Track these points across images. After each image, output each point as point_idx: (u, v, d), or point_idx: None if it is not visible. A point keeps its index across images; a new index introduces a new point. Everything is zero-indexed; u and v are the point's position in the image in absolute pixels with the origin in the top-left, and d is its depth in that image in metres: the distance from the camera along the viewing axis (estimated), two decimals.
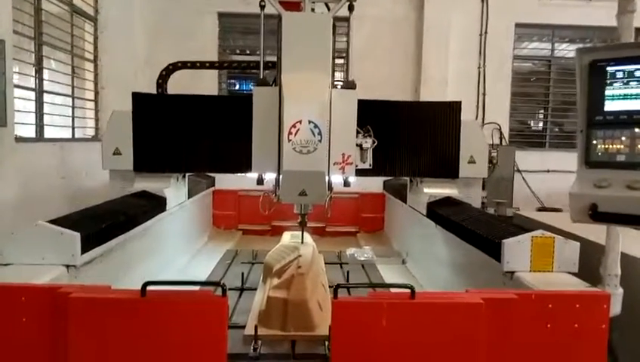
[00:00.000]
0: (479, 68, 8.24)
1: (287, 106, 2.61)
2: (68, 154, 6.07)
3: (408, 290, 1.97)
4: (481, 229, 2.99)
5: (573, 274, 2.55)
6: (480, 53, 8.23)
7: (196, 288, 2.23)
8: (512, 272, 2.58)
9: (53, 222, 2.60)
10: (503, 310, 2.02)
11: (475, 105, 8.20)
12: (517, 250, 2.57)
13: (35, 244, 2.46)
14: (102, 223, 2.87)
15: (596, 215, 1.93)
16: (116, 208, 3.33)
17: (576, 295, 2.18)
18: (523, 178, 8.13)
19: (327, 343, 2.47)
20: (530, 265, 2.58)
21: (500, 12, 8.10)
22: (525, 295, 2.10)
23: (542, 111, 8.94)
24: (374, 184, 5.95)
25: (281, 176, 2.71)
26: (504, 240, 2.59)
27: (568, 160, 7.91)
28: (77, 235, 2.51)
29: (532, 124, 9.14)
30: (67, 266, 2.48)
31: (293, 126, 2.57)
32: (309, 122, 2.58)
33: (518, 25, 8.27)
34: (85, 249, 2.58)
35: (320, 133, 2.58)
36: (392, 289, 2.23)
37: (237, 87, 9.00)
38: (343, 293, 2.61)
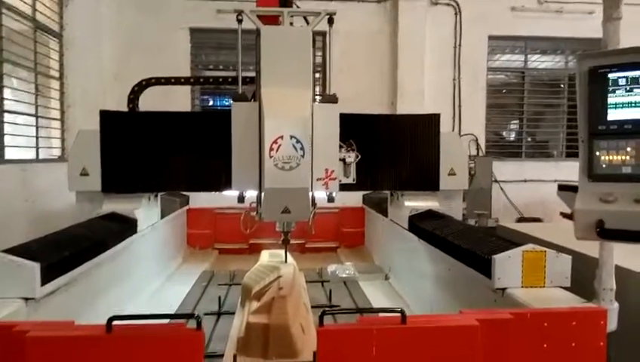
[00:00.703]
0: (454, 80, 8.28)
1: (268, 122, 2.52)
2: (32, 176, 5.77)
3: (398, 314, 1.85)
4: (469, 244, 2.89)
5: (565, 288, 2.47)
6: (455, 65, 8.28)
7: (167, 321, 2.05)
8: (503, 289, 2.48)
9: (9, 251, 2.39)
10: (498, 331, 1.93)
11: (452, 116, 8.22)
12: (508, 266, 2.47)
13: None
14: (65, 250, 2.66)
15: (603, 232, 1.82)
16: (82, 233, 3.11)
17: (572, 312, 2.10)
18: (501, 188, 8.16)
19: None
20: (521, 281, 2.48)
21: (474, 24, 8.18)
22: (521, 314, 2.01)
23: (517, 121, 9.04)
24: (353, 198, 5.84)
25: (263, 194, 2.60)
26: (494, 256, 2.49)
27: (544, 169, 8.12)
28: (36, 266, 2.30)
29: (505, 135, 9.21)
30: (26, 299, 2.27)
31: (275, 142, 2.48)
32: (291, 137, 2.49)
33: (491, 37, 8.36)
34: (46, 280, 2.36)
35: (302, 149, 2.49)
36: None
37: (211, 103, 8.83)
38: (328, 317, 2.47)
